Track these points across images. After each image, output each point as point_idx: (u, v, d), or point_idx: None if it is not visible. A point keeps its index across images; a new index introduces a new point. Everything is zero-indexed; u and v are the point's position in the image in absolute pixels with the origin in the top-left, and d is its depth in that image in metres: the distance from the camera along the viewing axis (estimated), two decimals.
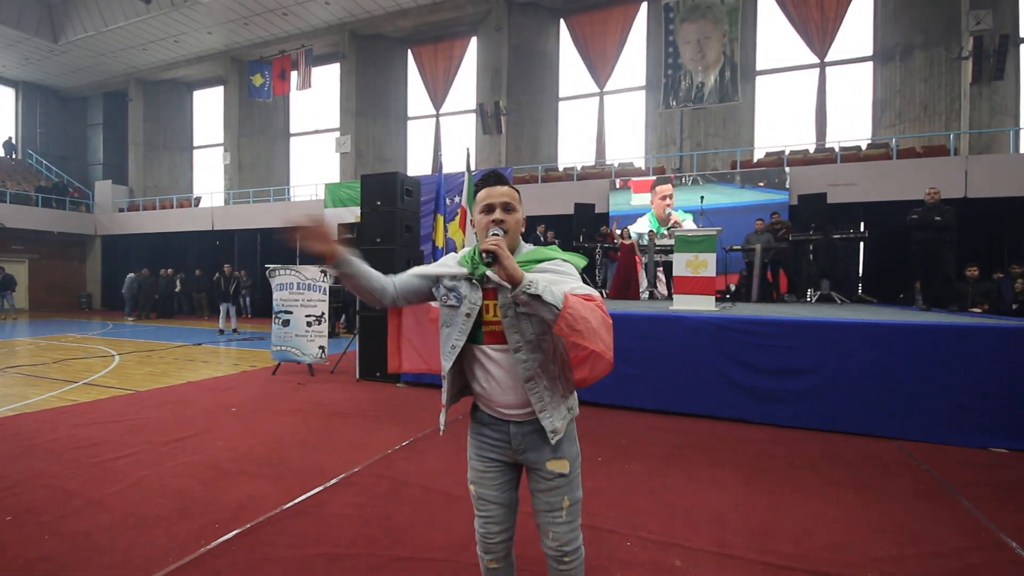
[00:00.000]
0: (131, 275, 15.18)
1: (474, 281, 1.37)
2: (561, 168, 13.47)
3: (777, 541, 2.31)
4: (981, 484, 3.00)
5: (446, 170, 8.19)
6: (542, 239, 10.01)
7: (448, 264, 1.45)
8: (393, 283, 1.45)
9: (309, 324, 6.23)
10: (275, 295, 6.35)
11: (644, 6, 13.60)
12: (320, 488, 2.86)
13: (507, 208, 1.38)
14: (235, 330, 10.92)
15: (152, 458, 3.30)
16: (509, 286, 1.20)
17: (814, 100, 12.65)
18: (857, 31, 12.25)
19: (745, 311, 5.17)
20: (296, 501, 2.69)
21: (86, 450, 3.42)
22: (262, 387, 5.59)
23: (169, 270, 15.73)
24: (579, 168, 12.85)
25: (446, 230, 6.23)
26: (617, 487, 2.92)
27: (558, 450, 1.42)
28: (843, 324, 4.11)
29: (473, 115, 15.01)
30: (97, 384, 5.65)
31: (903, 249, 7.87)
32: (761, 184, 10.06)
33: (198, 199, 18.62)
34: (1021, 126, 10.15)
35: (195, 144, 20.64)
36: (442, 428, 1.56)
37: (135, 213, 18.43)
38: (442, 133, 16.43)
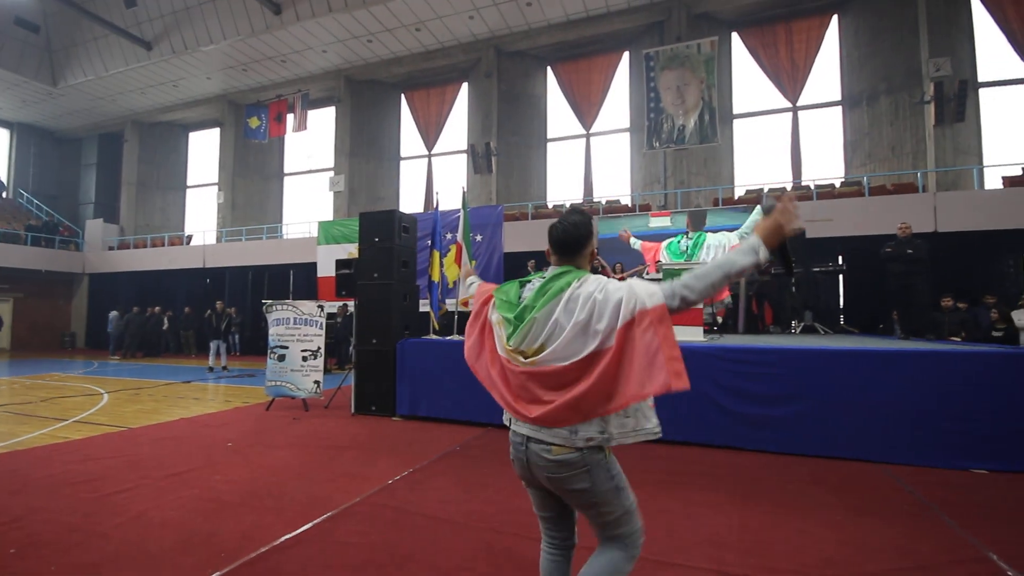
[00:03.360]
0: (114, 313, 15.03)
1: None
2: (550, 206, 13.87)
3: (772, 559, 2.39)
4: (963, 504, 3.12)
5: (440, 208, 8.42)
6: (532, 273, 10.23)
7: None
8: None
9: (305, 359, 6.27)
10: (271, 330, 6.40)
11: (626, 55, 14.39)
12: (323, 518, 2.89)
13: None
14: (225, 367, 10.82)
15: (152, 492, 3.30)
16: None
17: (789, 141, 13.31)
18: (825, 78, 13.05)
19: (733, 342, 5.35)
20: (300, 530, 2.72)
21: (84, 485, 3.40)
22: (257, 422, 5.58)
23: (156, 308, 15.61)
24: (568, 206, 13.23)
25: (442, 265, 6.40)
26: None
27: None
28: (828, 352, 4.29)
29: (464, 155, 15.50)
30: (88, 421, 5.59)
31: (880, 281, 8.19)
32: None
33: (189, 237, 18.70)
34: (984, 164, 10.78)
35: (189, 184, 20.88)
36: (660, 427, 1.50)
37: (125, 251, 18.41)
38: (434, 172, 16.87)
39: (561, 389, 1.40)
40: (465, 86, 15.94)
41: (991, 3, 11.15)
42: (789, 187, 11.98)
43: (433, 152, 16.75)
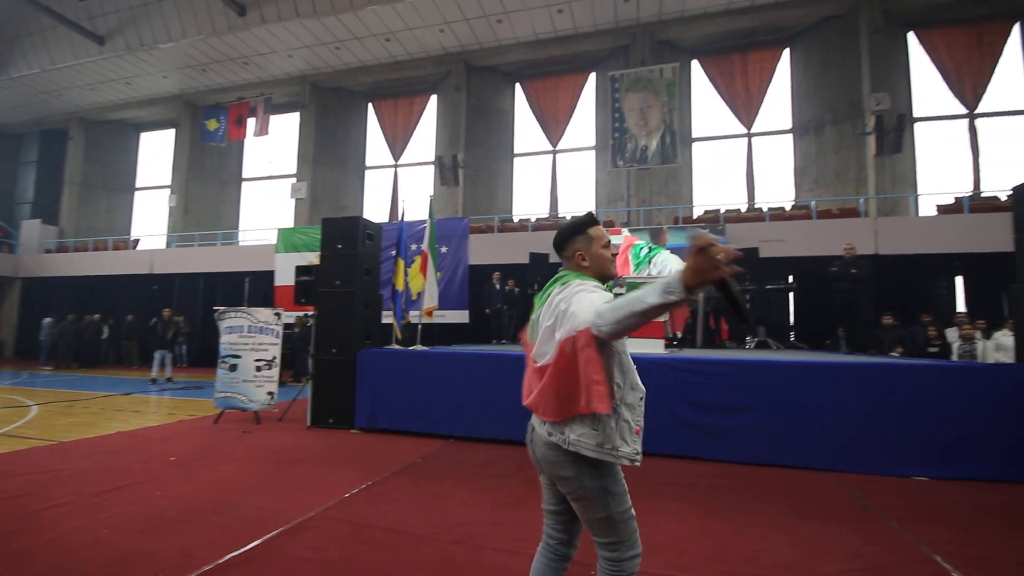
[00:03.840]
0: (48, 320, 14.04)
1: None
2: (516, 219, 13.96)
3: (731, 563, 2.42)
4: (906, 508, 3.27)
5: (406, 218, 8.31)
6: (497, 286, 10.23)
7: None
8: None
9: (259, 369, 6.01)
10: (222, 338, 6.11)
11: (592, 76, 14.78)
12: (274, 533, 2.74)
13: None
14: (169, 379, 10.21)
15: (83, 509, 3.04)
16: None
17: (744, 165, 13.94)
18: (778, 107, 13.78)
19: (692, 355, 5.47)
20: (249, 547, 2.56)
21: (7, 502, 3.11)
22: (204, 436, 5.28)
23: (96, 316, 14.66)
24: (533, 220, 13.36)
25: (406, 274, 6.29)
26: None
27: None
28: (782, 364, 4.45)
29: (431, 167, 15.44)
30: (14, 435, 5.14)
31: (827, 299, 8.63)
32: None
33: (136, 241, 17.76)
34: (918, 192, 11.60)
35: (138, 186, 19.88)
36: (640, 456, 1.49)
37: (64, 255, 17.26)
38: (400, 183, 16.72)
39: (539, 383, 1.52)
40: (434, 98, 15.95)
41: (927, 43, 12.13)
42: (744, 208, 12.51)
43: (399, 163, 16.62)
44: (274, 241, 13.53)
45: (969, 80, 11.89)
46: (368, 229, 6.01)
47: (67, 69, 15.48)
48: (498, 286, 10.23)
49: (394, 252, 7.02)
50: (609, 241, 1.64)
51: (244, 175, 18.61)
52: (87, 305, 15.40)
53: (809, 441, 4.21)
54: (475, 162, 14.73)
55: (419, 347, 5.97)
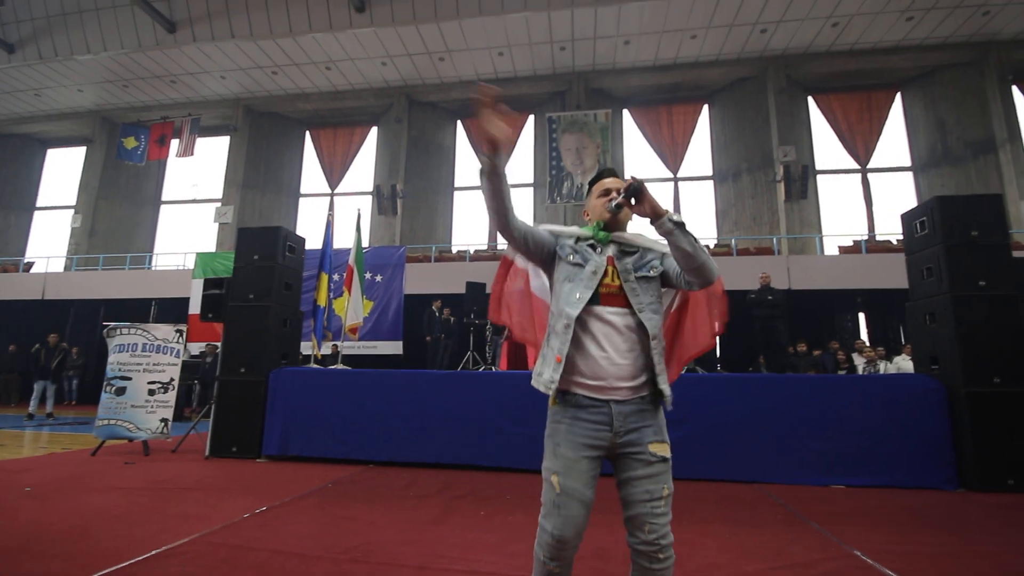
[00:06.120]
0: None
1: (598, 246, 1.50)
2: (455, 250, 13.86)
3: None
4: (827, 513, 3.27)
5: (335, 246, 7.85)
6: (437, 314, 9.95)
7: (571, 230, 1.57)
8: (521, 221, 1.46)
9: (152, 392, 5.33)
10: (111, 358, 5.40)
11: (531, 117, 15.36)
12: (131, 561, 2.28)
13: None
14: (50, 415, 8.92)
15: None
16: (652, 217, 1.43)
17: (671, 207, 14.75)
18: (700, 156, 14.86)
19: None
20: None
21: None
22: (74, 468, 4.53)
23: None
24: (472, 251, 13.31)
25: (330, 292, 5.93)
26: (498, 536, 2.73)
27: (660, 432, 1.40)
28: (707, 379, 4.50)
29: (369, 196, 15.18)
30: None
31: (748, 329, 9.05)
32: None
33: (29, 264, 15.92)
34: (823, 234, 12.72)
35: (39, 205, 18.04)
36: (556, 384, 1.40)
37: None
38: (336, 212, 16.23)
39: None
40: (374, 129, 15.89)
41: (823, 107, 13.64)
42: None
43: (336, 191, 16.22)
44: (192, 267, 12.58)
45: (860, 139, 13.43)
46: (290, 240, 5.66)
47: None
48: (438, 314, 9.95)
49: (318, 270, 6.64)
50: (608, 190, 1.58)
51: (164, 197, 17.42)
52: None
53: (733, 455, 4.21)
54: (414, 194, 14.65)
55: (340, 366, 5.57)
